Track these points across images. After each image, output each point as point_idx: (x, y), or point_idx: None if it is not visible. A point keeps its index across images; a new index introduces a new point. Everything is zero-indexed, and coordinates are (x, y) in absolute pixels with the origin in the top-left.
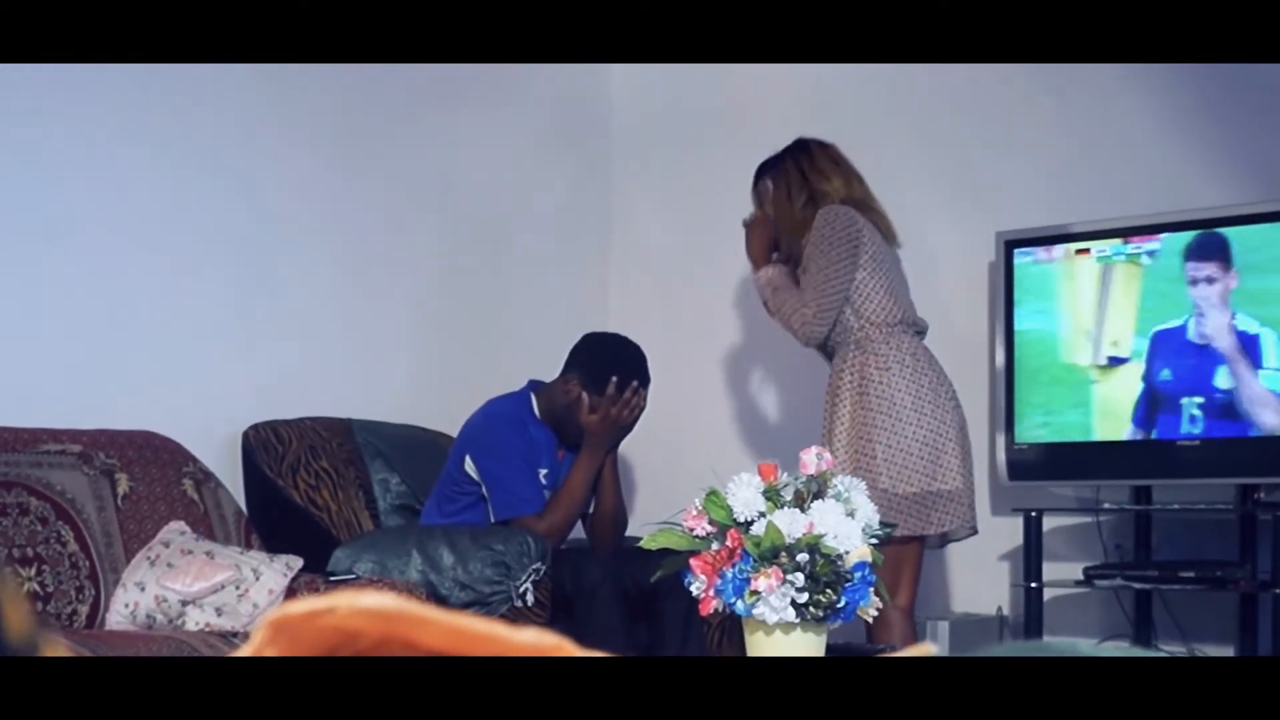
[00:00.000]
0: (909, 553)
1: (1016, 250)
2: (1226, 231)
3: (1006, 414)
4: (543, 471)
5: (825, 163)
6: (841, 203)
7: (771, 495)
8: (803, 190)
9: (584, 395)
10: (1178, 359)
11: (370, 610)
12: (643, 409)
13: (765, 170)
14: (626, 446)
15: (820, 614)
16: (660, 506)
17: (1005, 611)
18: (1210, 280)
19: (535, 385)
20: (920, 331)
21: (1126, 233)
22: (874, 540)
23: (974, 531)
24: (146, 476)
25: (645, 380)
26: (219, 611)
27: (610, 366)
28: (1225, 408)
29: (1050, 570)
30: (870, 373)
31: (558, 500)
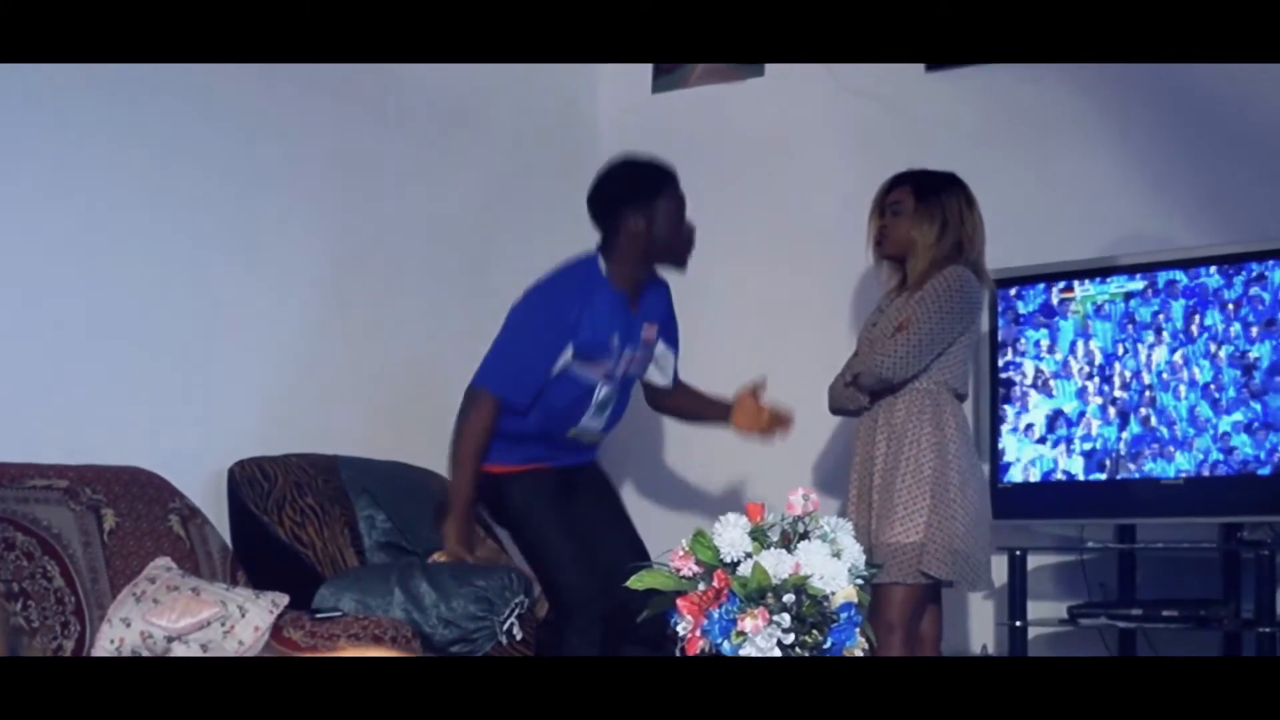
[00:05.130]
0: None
1: (1000, 290)
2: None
3: (991, 453)
4: (614, 337)
5: (977, 218)
6: (975, 263)
7: (758, 536)
8: (955, 234)
9: (649, 219)
10: (1157, 398)
11: None
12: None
13: (928, 191)
14: (624, 472)
15: (806, 655)
16: (660, 535)
17: (990, 650)
18: (1181, 329)
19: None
20: (962, 397)
21: (1110, 272)
22: (859, 581)
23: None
24: (133, 512)
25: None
26: (204, 648)
27: (652, 175)
28: (1207, 446)
29: (1035, 609)
30: (926, 430)
31: (472, 462)
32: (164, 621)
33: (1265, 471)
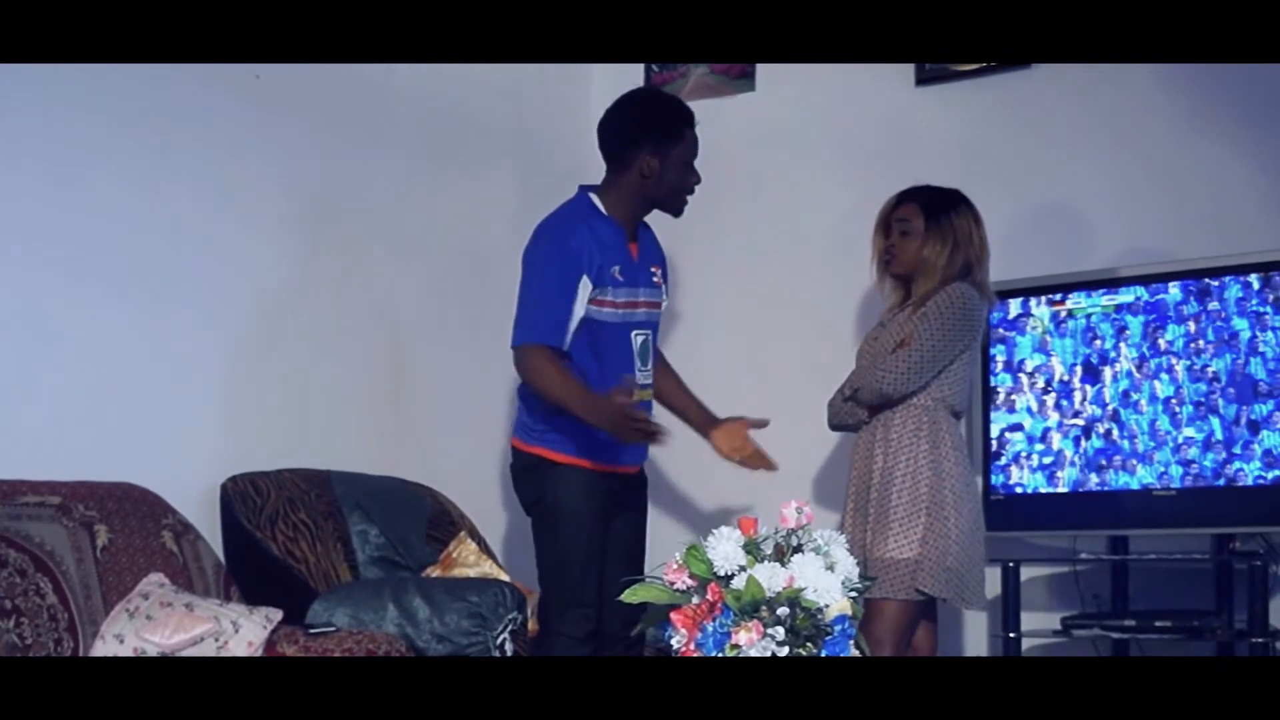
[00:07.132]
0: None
1: None
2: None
3: (983, 465)
4: (615, 269)
5: (984, 235)
6: (979, 280)
7: (751, 549)
8: (965, 254)
9: (663, 159)
10: (1153, 408)
11: None
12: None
13: (938, 210)
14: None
15: None
16: (654, 548)
17: None
18: (1170, 343)
19: (589, 187)
20: (959, 415)
21: (1101, 285)
22: (853, 594)
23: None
24: (126, 528)
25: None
26: None
27: (673, 117)
28: (1199, 458)
29: (1028, 620)
30: (923, 447)
31: (568, 387)
32: (157, 638)
33: (1222, 483)
